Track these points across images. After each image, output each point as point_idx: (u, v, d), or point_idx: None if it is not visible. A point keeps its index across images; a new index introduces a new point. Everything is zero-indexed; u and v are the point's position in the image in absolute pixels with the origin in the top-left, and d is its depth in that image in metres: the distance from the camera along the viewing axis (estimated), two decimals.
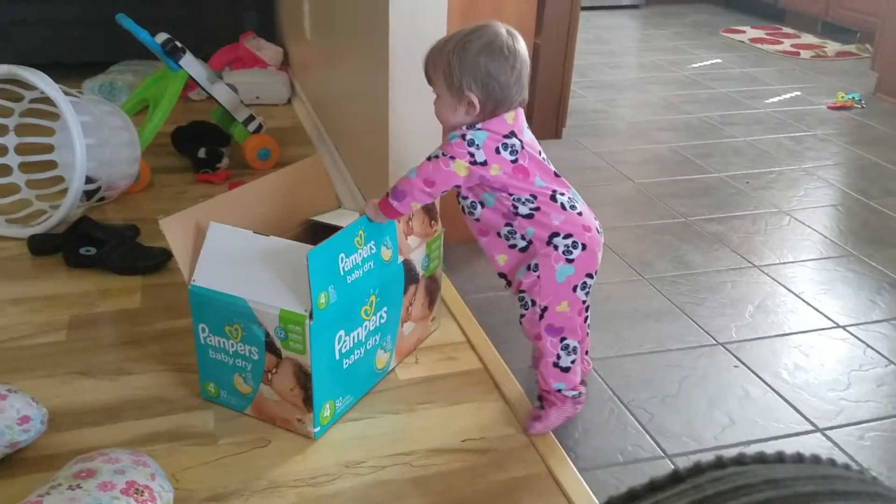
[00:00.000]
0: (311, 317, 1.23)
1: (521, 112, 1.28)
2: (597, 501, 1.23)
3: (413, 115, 1.67)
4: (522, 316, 1.34)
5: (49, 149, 2.09)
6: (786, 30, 4.75)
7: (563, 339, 1.32)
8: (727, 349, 1.65)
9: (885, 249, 2.10)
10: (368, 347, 1.40)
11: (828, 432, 1.42)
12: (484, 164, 1.23)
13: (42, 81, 1.89)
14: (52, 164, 2.13)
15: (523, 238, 1.30)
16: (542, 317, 1.31)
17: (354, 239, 1.31)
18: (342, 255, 1.28)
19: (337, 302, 1.28)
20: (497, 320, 1.69)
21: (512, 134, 1.25)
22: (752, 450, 0.36)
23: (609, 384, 1.52)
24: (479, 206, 1.31)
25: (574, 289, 1.30)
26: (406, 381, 1.49)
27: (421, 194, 1.25)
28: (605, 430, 1.40)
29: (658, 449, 1.37)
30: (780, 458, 0.33)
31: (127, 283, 1.79)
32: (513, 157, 1.25)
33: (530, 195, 1.27)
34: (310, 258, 1.19)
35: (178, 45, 2.23)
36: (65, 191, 2.00)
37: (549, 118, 2.21)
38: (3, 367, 1.50)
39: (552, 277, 1.29)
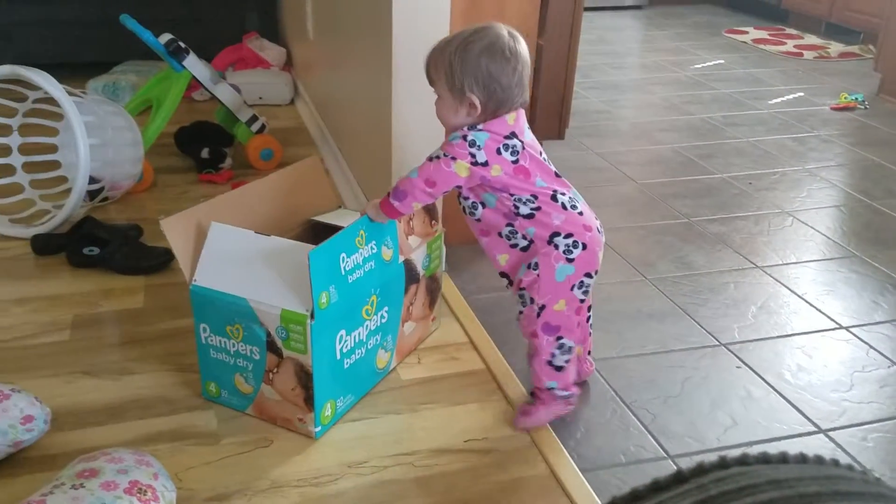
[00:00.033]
0: (312, 316, 1.23)
1: (521, 113, 1.29)
2: (599, 502, 1.23)
3: (416, 115, 1.67)
4: (521, 313, 1.35)
5: (53, 149, 2.09)
6: (789, 31, 4.74)
7: (559, 337, 1.32)
8: (730, 350, 1.65)
9: (888, 250, 2.09)
10: (369, 347, 1.41)
11: (830, 433, 1.42)
12: (485, 164, 1.24)
13: (46, 81, 1.89)
14: (55, 164, 2.13)
15: (524, 238, 1.30)
16: (539, 314, 1.31)
17: (355, 239, 1.31)
18: (343, 254, 1.28)
19: (338, 302, 1.28)
20: (499, 321, 1.69)
21: (513, 135, 1.26)
22: (755, 450, 0.36)
23: (611, 385, 1.52)
24: (480, 207, 1.31)
25: (572, 288, 1.30)
26: (408, 382, 1.49)
27: (422, 194, 1.26)
28: (607, 431, 1.40)
29: (660, 449, 1.36)
30: (783, 458, 0.33)
31: (130, 283, 1.79)
32: (514, 158, 1.25)
33: (531, 195, 1.27)
34: (311, 258, 1.20)
35: (182, 45, 2.23)
36: (68, 191, 2.00)
37: (551, 119, 2.20)
38: (6, 366, 1.50)
39: (551, 276, 1.29)
